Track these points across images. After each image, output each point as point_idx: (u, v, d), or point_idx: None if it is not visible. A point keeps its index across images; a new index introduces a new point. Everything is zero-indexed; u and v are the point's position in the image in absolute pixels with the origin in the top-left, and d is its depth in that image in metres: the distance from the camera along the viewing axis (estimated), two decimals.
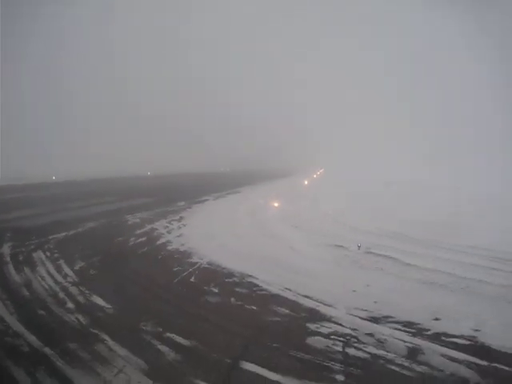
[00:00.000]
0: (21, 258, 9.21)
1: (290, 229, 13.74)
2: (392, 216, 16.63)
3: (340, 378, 4.55)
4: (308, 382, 4.47)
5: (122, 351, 5.09)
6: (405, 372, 4.68)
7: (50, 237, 11.59)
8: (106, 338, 5.43)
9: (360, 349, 5.23)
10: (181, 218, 16.27)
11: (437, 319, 6.12)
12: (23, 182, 33.53)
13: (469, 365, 4.82)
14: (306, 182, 39.47)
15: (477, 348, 5.22)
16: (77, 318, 6.02)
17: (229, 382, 4.46)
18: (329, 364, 4.85)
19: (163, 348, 5.21)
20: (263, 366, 4.75)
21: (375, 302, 6.82)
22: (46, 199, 21.98)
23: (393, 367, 4.78)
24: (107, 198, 23.06)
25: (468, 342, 5.39)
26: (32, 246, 10.37)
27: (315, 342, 5.42)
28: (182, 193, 27.41)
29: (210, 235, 12.39)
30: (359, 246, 10.46)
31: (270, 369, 4.70)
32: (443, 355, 5.04)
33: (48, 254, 9.68)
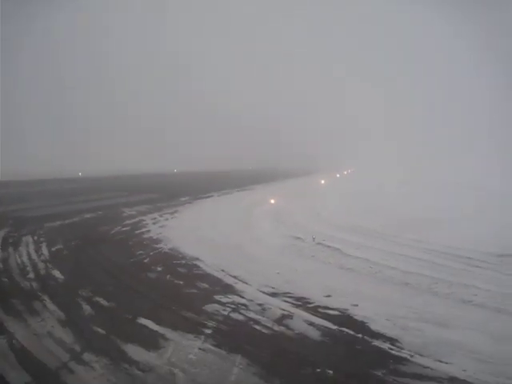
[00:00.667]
0: (10, 241, 10.90)
1: (271, 223, 14.64)
2: (386, 214, 16.76)
3: (207, 331, 5.65)
4: (180, 332, 5.60)
5: (52, 307, 6.42)
6: (263, 330, 5.70)
7: (45, 225, 13.32)
8: (46, 298, 6.80)
9: (242, 314, 6.29)
10: (175, 211, 17.67)
11: (328, 296, 7.04)
12: (34, 177, 36.39)
13: (320, 328, 5.77)
14: (322, 182, 39.99)
15: (341, 318, 6.13)
16: (31, 284, 7.46)
17: (119, 330, 5.67)
18: (207, 322, 5.95)
19: (85, 307, 6.50)
20: (153, 321, 5.93)
21: (286, 282, 7.80)
22: (54, 194, 24.16)
23: (256, 327, 5.81)
24: (118, 192, 24.98)
25: (337, 313, 6.30)
26: (25, 232, 12.10)
27: (210, 307, 6.53)
28: (193, 188, 28.96)
29: (192, 227, 13.63)
30: (314, 238, 11.37)
31: (157, 323, 5.87)
32: (306, 321, 6.01)
33: (35, 238, 11.34)
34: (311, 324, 5.90)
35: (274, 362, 4.83)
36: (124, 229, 13.11)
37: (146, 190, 27.07)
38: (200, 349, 5.11)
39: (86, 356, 4.87)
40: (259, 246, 10.97)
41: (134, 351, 5.04)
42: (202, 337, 5.44)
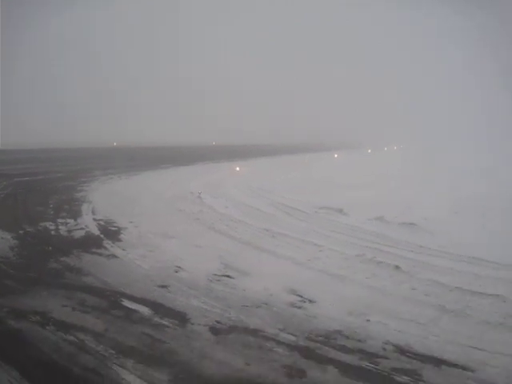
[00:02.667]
0: None
1: (204, 188, 16.33)
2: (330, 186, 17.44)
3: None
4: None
5: None
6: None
7: (15, 179, 16.45)
8: None
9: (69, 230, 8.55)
10: (138, 175, 20.18)
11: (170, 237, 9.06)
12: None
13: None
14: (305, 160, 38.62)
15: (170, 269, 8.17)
16: None
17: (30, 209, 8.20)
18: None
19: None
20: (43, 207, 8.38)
21: (130, 222, 9.85)
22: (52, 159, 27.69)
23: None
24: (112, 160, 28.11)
25: (162, 265, 8.34)
26: None
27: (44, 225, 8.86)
28: (189, 158, 31.38)
29: (128, 188, 15.94)
30: (199, 193, 13.33)
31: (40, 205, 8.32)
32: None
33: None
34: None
35: None
36: (71, 183, 15.82)
37: (139, 160, 29.97)
38: None
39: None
40: (162, 201, 12.95)
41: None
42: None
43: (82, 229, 8.85)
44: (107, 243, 7.82)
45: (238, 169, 22.59)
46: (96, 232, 8.67)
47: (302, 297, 5.50)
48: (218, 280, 6.07)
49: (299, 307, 5.19)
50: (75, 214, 10.32)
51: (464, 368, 3.86)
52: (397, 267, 6.53)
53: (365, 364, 3.91)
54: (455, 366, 3.90)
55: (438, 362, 3.96)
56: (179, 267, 6.54)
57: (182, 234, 8.57)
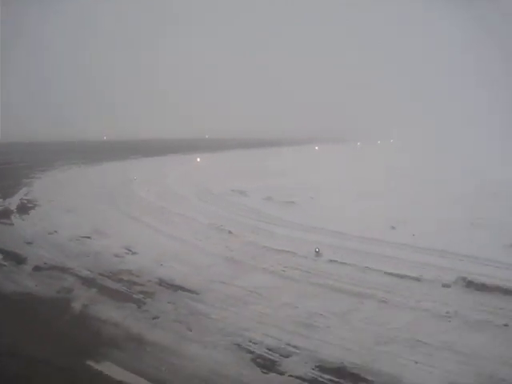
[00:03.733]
0: None
1: (147, 176, 17.86)
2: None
3: None
4: None
5: None
6: None
7: None
8: None
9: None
10: (100, 165, 21.79)
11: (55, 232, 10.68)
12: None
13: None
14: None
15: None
16: None
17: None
18: None
19: None
20: None
21: (50, 201, 11.46)
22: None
23: None
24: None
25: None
26: None
27: None
28: (166, 150, 32.82)
29: (82, 174, 17.61)
30: (135, 179, 14.92)
31: None
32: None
33: None
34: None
35: None
36: (29, 171, 17.52)
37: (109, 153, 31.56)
38: None
39: None
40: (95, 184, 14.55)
41: None
42: None
43: (2, 206, 10.45)
44: (14, 216, 9.45)
45: (198, 160, 24.01)
46: (13, 208, 10.28)
47: (130, 250, 7.03)
48: (78, 240, 7.63)
49: (119, 256, 6.73)
50: (8, 195, 11.92)
51: (191, 292, 5.37)
52: (230, 232, 8.03)
53: (122, 288, 5.45)
54: (188, 291, 5.42)
55: (177, 288, 5.48)
56: (55, 231, 8.11)
57: (83, 210, 10.12)
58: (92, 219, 9.14)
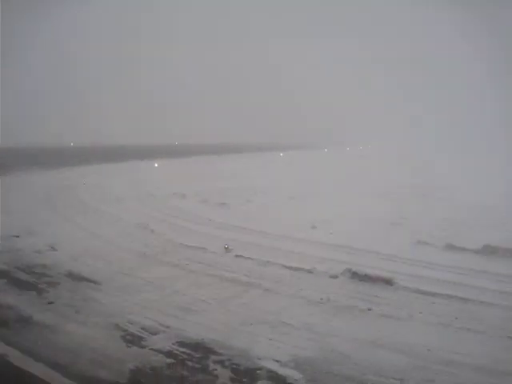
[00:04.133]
0: None
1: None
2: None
3: None
4: None
5: None
6: None
7: None
8: None
9: None
10: (57, 169, 21.92)
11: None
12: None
13: None
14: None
15: None
16: None
17: None
18: None
19: None
20: None
21: None
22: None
23: None
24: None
25: None
26: None
27: None
28: (128, 156, 33.09)
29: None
30: (84, 184, 15.27)
31: None
32: None
33: None
34: None
35: None
36: None
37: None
38: None
39: None
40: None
41: None
42: None
43: None
44: None
45: (156, 165, 24.37)
46: None
47: (52, 247, 7.48)
48: (5, 239, 7.99)
49: (39, 252, 7.19)
50: None
51: (94, 282, 5.90)
52: (152, 231, 8.58)
53: (31, 279, 5.93)
54: (92, 281, 5.94)
55: (82, 279, 6.01)
56: None
57: (19, 210, 10.46)
58: (28, 219, 9.52)
